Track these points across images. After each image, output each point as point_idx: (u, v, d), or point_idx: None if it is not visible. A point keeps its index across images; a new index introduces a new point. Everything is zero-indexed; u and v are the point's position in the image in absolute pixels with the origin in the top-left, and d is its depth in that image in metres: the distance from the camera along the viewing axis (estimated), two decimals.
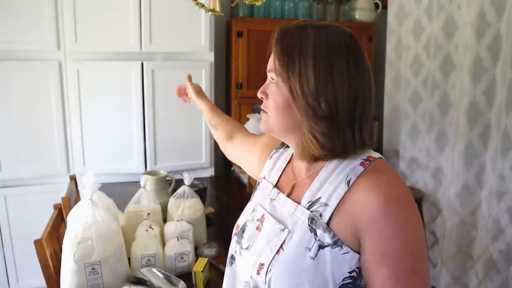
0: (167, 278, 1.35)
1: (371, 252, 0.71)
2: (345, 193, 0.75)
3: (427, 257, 0.74)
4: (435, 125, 2.47)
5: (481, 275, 2.23)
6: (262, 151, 1.04)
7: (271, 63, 0.82)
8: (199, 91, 1.41)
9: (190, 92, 1.43)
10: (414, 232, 0.71)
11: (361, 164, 0.77)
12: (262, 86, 0.85)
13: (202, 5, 1.34)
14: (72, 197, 1.95)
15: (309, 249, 0.75)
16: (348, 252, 0.73)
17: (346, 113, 0.76)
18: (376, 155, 0.80)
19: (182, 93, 1.50)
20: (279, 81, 0.80)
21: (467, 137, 2.21)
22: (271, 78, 0.83)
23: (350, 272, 0.73)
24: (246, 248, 0.86)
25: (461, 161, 2.24)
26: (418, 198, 2.47)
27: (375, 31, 2.92)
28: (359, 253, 0.73)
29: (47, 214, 1.69)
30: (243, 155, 1.16)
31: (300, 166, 0.86)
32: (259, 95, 0.85)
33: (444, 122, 2.42)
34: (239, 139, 1.20)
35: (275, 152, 0.99)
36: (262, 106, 0.86)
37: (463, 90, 2.20)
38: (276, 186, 0.91)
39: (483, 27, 2.08)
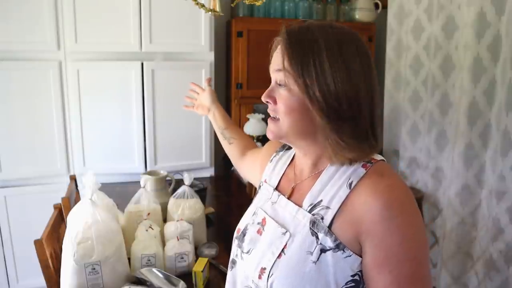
0: (167, 278, 1.35)
1: (372, 257, 0.70)
2: (347, 196, 0.73)
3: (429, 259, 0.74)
4: (435, 125, 2.46)
5: (481, 275, 2.23)
6: (264, 157, 1.03)
7: (279, 62, 0.77)
8: (214, 97, 1.33)
9: (206, 95, 1.33)
10: (416, 236, 0.70)
11: (363, 166, 0.76)
12: (267, 90, 0.80)
13: (202, 5, 1.34)
14: (72, 197, 1.95)
15: (311, 253, 0.73)
16: (350, 256, 0.72)
17: (367, 112, 0.74)
18: (378, 157, 0.79)
19: (192, 94, 1.41)
20: (291, 84, 0.75)
21: (467, 137, 2.21)
22: (278, 80, 0.78)
23: (352, 276, 0.72)
24: (247, 252, 0.85)
25: (461, 161, 2.24)
26: (418, 198, 2.47)
27: (375, 31, 2.92)
28: (361, 256, 0.72)
29: (47, 214, 1.69)
30: (252, 169, 1.13)
31: (303, 166, 0.85)
32: (264, 99, 0.80)
33: (444, 122, 2.42)
34: (249, 155, 1.18)
35: (275, 155, 0.98)
36: (270, 112, 0.80)
37: (463, 90, 2.20)
38: (277, 188, 0.90)
39: (483, 27, 2.08)
